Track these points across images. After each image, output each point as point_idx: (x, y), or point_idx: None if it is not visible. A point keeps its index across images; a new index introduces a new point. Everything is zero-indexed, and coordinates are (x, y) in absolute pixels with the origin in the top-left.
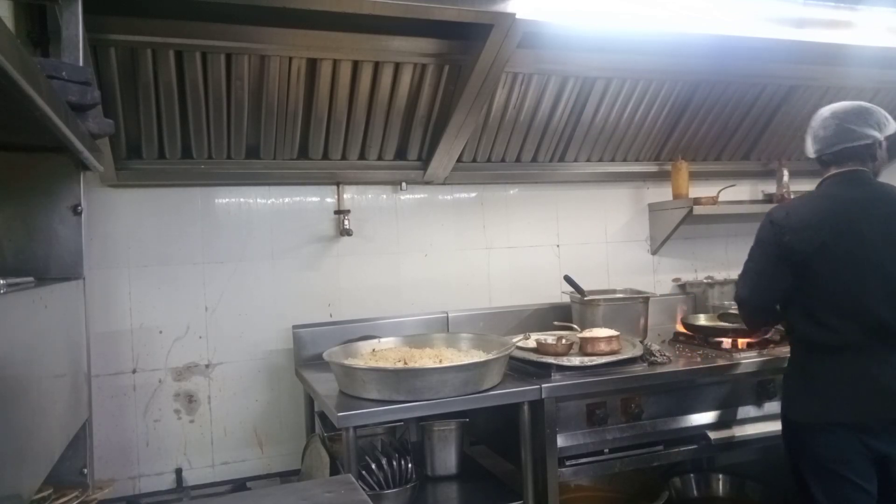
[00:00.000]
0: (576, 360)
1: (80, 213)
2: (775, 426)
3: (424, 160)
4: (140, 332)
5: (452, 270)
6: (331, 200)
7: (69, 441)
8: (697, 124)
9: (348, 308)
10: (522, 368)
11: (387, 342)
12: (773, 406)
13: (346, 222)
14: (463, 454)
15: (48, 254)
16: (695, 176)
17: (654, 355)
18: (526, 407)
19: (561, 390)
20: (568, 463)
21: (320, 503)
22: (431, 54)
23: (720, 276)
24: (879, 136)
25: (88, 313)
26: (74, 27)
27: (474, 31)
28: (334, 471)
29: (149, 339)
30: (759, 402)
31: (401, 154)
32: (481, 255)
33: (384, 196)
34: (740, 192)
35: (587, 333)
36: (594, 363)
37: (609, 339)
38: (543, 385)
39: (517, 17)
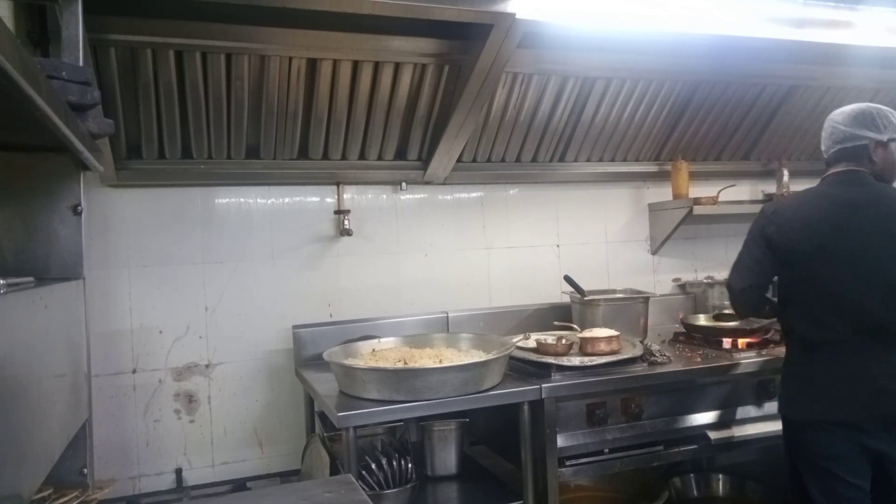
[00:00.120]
0: (576, 360)
1: (80, 213)
2: (775, 426)
3: (424, 160)
4: (140, 332)
5: (452, 270)
6: (331, 200)
7: (69, 441)
8: (697, 124)
9: (348, 308)
10: (522, 368)
11: (387, 342)
12: (773, 406)
13: (346, 222)
14: (463, 454)
15: (48, 254)
16: (695, 176)
17: (654, 355)
18: (526, 407)
19: (561, 390)
20: (568, 463)
21: (320, 503)
22: (431, 54)
23: (720, 276)
24: (877, 137)
25: (88, 313)
26: (74, 27)
27: (474, 31)
28: (334, 471)
29: (149, 339)
30: (759, 402)
31: (401, 154)
32: (481, 255)
33: (384, 196)
34: (740, 192)
35: (587, 333)
36: (594, 363)
37: (609, 339)
38: (543, 385)
39: (517, 17)
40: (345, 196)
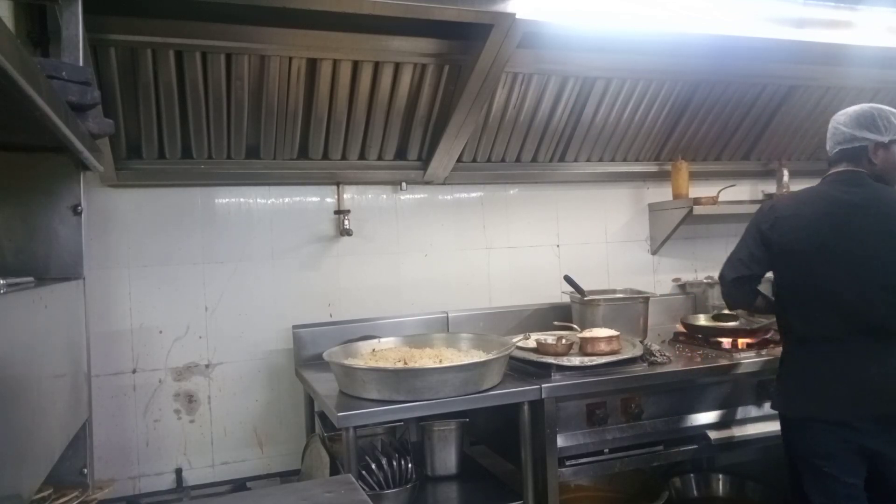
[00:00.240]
0: (576, 360)
1: (80, 213)
2: (775, 426)
3: (424, 160)
4: (140, 332)
5: (452, 270)
6: (331, 200)
7: (69, 441)
8: (697, 124)
9: (348, 308)
10: (522, 368)
11: (387, 342)
12: None
13: (346, 222)
14: (463, 454)
15: (48, 254)
16: (695, 176)
17: (654, 355)
18: (526, 407)
19: (561, 390)
20: (568, 463)
21: (320, 503)
22: (431, 54)
23: None
24: (877, 139)
25: (88, 313)
26: (74, 27)
27: (474, 31)
28: (334, 471)
29: (149, 339)
30: (759, 402)
31: (401, 154)
32: (481, 255)
33: (384, 196)
34: (740, 192)
35: (587, 333)
36: (594, 363)
37: (609, 339)
38: (543, 385)
39: (517, 17)
40: (345, 196)
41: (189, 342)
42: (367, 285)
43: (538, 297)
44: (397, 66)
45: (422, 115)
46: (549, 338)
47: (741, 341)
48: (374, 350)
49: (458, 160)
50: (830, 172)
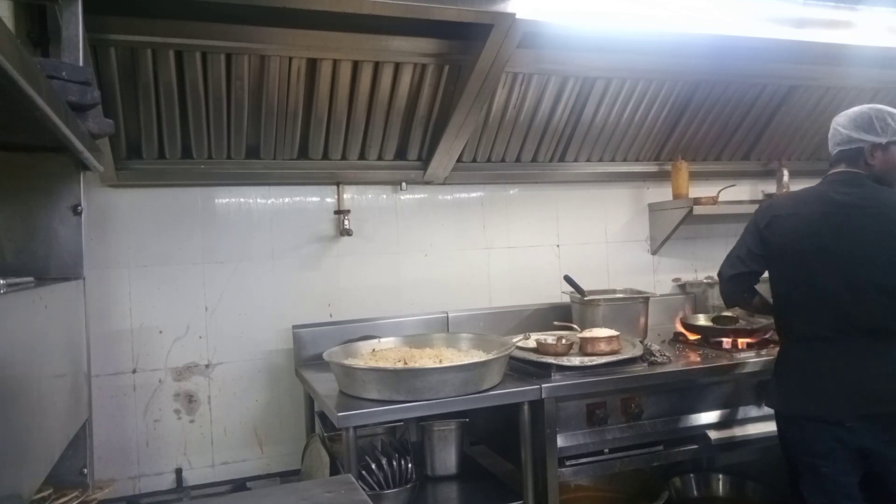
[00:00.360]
0: (576, 360)
1: (80, 213)
2: (775, 426)
3: (424, 160)
4: (140, 332)
5: (452, 270)
6: (331, 200)
7: (69, 441)
8: (697, 124)
9: (348, 308)
10: (522, 368)
11: (387, 342)
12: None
13: (346, 222)
14: (463, 454)
15: (48, 254)
16: (695, 176)
17: (654, 355)
18: (526, 407)
19: (561, 390)
20: (568, 463)
21: (320, 503)
22: (431, 54)
23: None
24: (875, 140)
25: (88, 313)
26: (74, 27)
27: (474, 31)
28: (334, 471)
29: (149, 339)
30: (759, 402)
31: (401, 154)
32: (481, 255)
33: (384, 196)
34: (740, 192)
35: (587, 333)
36: (594, 363)
37: (609, 339)
38: (543, 385)
39: (517, 17)
40: (345, 196)
41: (189, 342)
42: (367, 285)
43: (538, 297)
44: (397, 66)
45: (422, 115)
46: (549, 338)
47: (741, 341)
48: (374, 350)
49: (458, 160)
50: (830, 173)
